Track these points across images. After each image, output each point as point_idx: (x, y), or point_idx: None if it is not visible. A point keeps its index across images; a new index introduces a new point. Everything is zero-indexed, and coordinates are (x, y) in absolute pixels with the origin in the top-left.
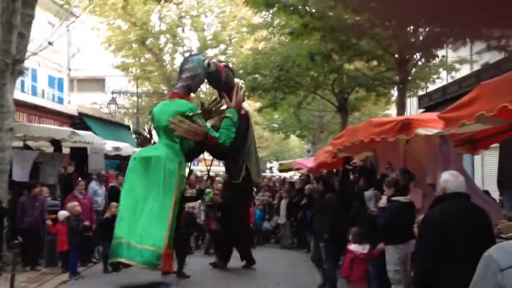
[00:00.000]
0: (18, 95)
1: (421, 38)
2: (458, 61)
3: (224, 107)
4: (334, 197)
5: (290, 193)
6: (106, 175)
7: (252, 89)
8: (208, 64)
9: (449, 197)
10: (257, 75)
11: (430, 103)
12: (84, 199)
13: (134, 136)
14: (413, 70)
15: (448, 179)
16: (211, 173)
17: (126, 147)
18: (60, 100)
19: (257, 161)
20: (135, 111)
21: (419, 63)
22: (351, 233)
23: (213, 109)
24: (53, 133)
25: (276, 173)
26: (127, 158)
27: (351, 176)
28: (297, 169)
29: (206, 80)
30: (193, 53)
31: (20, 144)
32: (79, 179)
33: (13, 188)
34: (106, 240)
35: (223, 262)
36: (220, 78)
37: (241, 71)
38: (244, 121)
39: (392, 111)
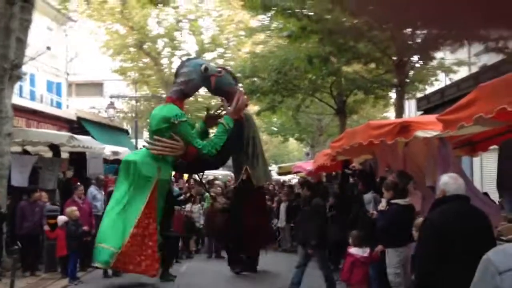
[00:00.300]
0: (16, 100)
1: (419, 40)
2: (456, 63)
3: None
4: (321, 202)
5: (290, 196)
6: (105, 180)
7: (250, 93)
8: (206, 69)
9: (449, 200)
10: (255, 79)
11: (428, 105)
12: (83, 204)
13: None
14: (411, 72)
15: (448, 181)
16: (210, 177)
17: (125, 152)
18: (59, 105)
19: (262, 165)
20: (133, 115)
21: (417, 65)
22: (351, 237)
23: (219, 114)
24: (51, 138)
25: (275, 177)
26: None
27: (351, 179)
28: (296, 172)
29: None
30: (191, 57)
31: (19, 149)
32: (78, 183)
33: (12, 194)
34: None
35: (235, 266)
36: (210, 83)
37: (239, 75)
38: (239, 127)
39: (391, 113)
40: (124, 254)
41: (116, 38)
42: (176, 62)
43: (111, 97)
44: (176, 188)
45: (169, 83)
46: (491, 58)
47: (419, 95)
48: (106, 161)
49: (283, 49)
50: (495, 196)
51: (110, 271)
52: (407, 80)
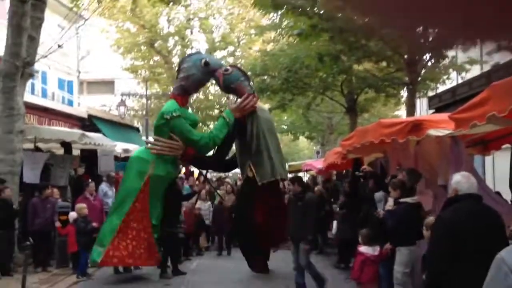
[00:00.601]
0: (28, 97)
1: (430, 39)
2: (468, 61)
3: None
4: (314, 197)
5: None
6: (116, 177)
7: (260, 91)
8: (206, 63)
9: (461, 199)
10: (265, 77)
11: (440, 104)
12: (94, 200)
13: None
14: (423, 70)
15: (460, 180)
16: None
17: (135, 149)
18: (70, 103)
19: (268, 161)
20: (144, 113)
21: (429, 63)
22: (361, 235)
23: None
24: (63, 135)
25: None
26: None
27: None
28: (306, 171)
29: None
30: (193, 52)
31: (31, 146)
32: (89, 180)
33: (24, 190)
34: None
35: (255, 266)
36: (218, 81)
37: (249, 73)
38: (239, 126)
39: (402, 112)
40: (115, 249)
41: (127, 36)
42: None
43: (122, 95)
44: (186, 186)
45: (177, 79)
46: (503, 57)
47: (430, 93)
48: (117, 158)
49: (294, 47)
50: (507, 195)
51: (121, 268)
52: (419, 79)
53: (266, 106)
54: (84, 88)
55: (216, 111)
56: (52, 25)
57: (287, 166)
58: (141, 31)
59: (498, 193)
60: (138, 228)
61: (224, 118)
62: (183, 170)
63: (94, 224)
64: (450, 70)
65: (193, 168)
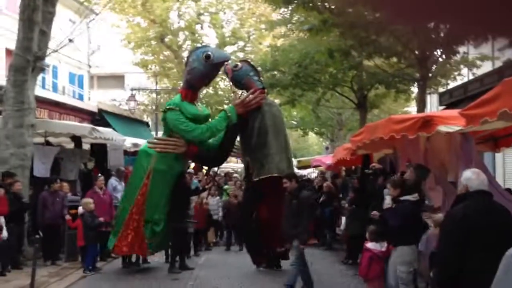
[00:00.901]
0: (39, 91)
1: (442, 35)
2: (479, 57)
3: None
4: (310, 194)
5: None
6: (126, 171)
7: (270, 86)
8: (207, 56)
9: (471, 195)
10: (275, 72)
11: (451, 100)
12: (103, 194)
13: None
14: (434, 66)
15: (471, 177)
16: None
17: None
18: (81, 97)
19: (267, 158)
20: (154, 107)
21: (440, 59)
22: (368, 231)
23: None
24: (73, 129)
25: (295, 170)
26: None
27: (370, 176)
28: (315, 167)
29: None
30: (199, 46)
31: (41, 140)
32: (99, 175)
33: (35, 184)
34: None
35: (258, 263)
36: (228, 75)
37: (259, 68)
38: (242, 120)
39: (412, 108)
40: (122, 239)
41: (138, 31)
42: None
43: (132, 89)
44: (195, 181)
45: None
46: None
47: (441, 89)
48: (126, 153)
49: (304, 43)
50: None
51: (133, 258)
52: (430, 75)
53: (276, 102)
54: (95, 82)
55: (226, 107)
56: (63, 19)
57: (296, 162)
58: (151, 25)
59: (508, 190)
60: (139, 220)
61: (225, 111)
62: (192, 165)
63: (101, 219)
64: (461, 66)
65: None
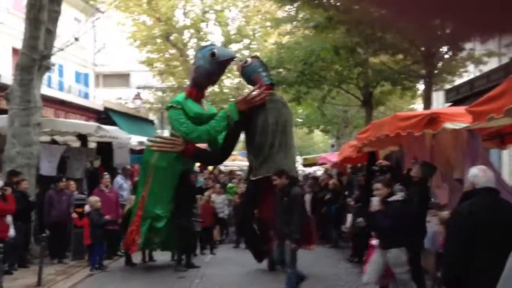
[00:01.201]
0: (45, 90)
1: (448, 31)
2: (486, 54)
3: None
4: (300, 192)
5: (314, 188)
6: (132, 170)
7: (276, 84)
8: (212, 54)
9: (478, 192)
10: (281, 69)
11: (457, 97)
12: (109, 192)
13: None
14: (440, 63)
15: (477, 174)
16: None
17: None
18: (86, 95)
19: (266, 157)
20: (159, 106)
21: (446, 56)
22: None
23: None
24: (79, 128)
25: (300, 168)
26: None
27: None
28: (321, 164)
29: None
30: (207, 44)
31: (48, 139)
32: (105, 173)
33: (41, 182)
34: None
35: (259, 260)
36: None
37: None
38: (244, 117)
39: (418, 105)
40: (129, 235)
41: (143, 29)
42: None
43: (138, 88)
44: (200, 179)
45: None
46: None
47: (447, 86)
48: (132, 151)
49: (310, 40)
50: None
51: (138, 259)
52: (436, 71)
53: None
54: (100, 81)
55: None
56: (69, 18)
57: (301, 160)
58: (156, 24)
59: None
60: (140, 216)
61: (225, 111)
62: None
63: (107, 217)
64: (468, 62)
65: None
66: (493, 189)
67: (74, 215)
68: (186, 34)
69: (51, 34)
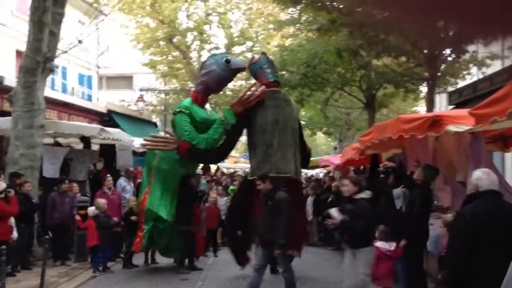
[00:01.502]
0: (48, 92)
1: (451, 34)
2: (489, 56)
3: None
4: (285, 196)
5: (316, 190)
6: (135, 172)
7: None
8: (227, 61)
9: (482, 195)
10: (284, 72)
11: (460, 99)
12: (112, 195)
13: None
14: (443, 66)
15: (481, 176)
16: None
17: None
18: (89, 98)
19: (260, 157)
20: (162, 108)
21: (449, 58)
22: (378, 230)
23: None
24: (82, 130)
25: (303, 170)
26: None
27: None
28: (323, 166)
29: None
30: (217, 52)
31: (51, 141)
32: (108, 175)
33: (44, 184)
34: (128, 235)
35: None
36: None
37: None
38: (243, 121)
39: (420, 108)
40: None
41: (146, 32)
42: (205, 56)
43: (141, 90)
44: (203, 181)
45: (198, 76)
46: None
47: (450, 89)
48: (135, 153)
49: (312, 42)
50: None
51: (140, 261)
52: (439, 74)
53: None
54: (103, 83)
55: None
56: (72, 20)
57: None
58: (160, 26)
59: None
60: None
61: (220, 117)
62: (200, 165)
63: (115, 219)
64: (471, 65)
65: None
66: (497, 192)
67: (77, 217)
68: (189, 37)
69: (54, 36)
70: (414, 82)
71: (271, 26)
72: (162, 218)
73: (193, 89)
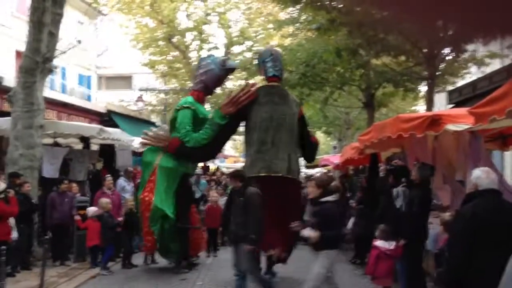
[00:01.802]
0: (48, 93)
1: (450, 33)
2: (488, 55)
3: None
4: (256, 191)
5: None
6: (134, 172)
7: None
8: (224, 61)
9: (481, 194)
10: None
11: (459, 98)
12: (112, 195)
13: None
14: (442, 65)
15: (480, 175)
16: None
17: None
18: (89, 98)
19: (253, 156)
20: (162, 108)
21: (448, 57)
22: (379, 230)
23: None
24: (82, 130)
25: (302, 170)
26: None
27: (380, 173)
28: (323, 166)
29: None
30: (212, 54)
31: (50, 141)
32: (107, 175)
33: (44, 185)
34: (126, 235)
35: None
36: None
37: None
38: (230, 120)
39: (420, 107)
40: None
41: (146, 32)
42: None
43: (140, 90)
44: (203, 181)
45: (196, 75)
46: None
47: (450, 88)
48: (134, 153)
49: (312, 42)
50: None
51: (140, 261)
52: (438, 73)
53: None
54: (103, 83)
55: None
56: (71, 20)
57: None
58: (159, 26)
59: None
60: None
61: (211, 118)
62: (200, 165)
63: (120, 219)
64: (470, 64)
65: (208, 163)
66: (496, 191)
67: (77, 217)
68: (189, 36)
69: (54, 36)
70: (413, 81)
71: (270, 25)
72: (168, 217)
73: (191, 88)
